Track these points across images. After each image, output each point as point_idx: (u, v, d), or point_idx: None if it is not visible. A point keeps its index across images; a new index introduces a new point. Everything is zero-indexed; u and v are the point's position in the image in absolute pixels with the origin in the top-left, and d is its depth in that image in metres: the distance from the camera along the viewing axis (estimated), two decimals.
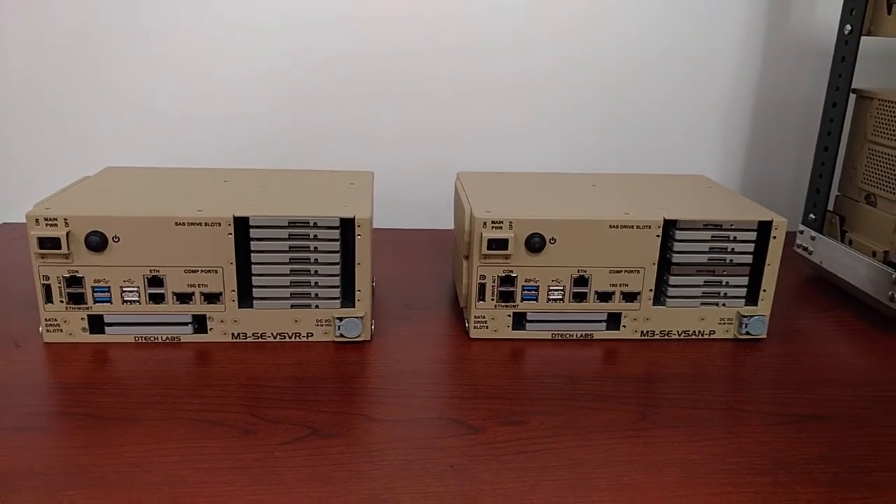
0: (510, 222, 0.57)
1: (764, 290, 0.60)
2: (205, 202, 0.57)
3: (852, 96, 0.71)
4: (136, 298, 0.56)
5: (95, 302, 0.56)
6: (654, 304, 0.60)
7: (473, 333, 0.60)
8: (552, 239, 0.57)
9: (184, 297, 0.56)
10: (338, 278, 0.57)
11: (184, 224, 0.55)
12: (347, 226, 0.56)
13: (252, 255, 0.56)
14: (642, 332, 0.61)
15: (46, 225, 0.54)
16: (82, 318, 0.56)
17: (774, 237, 0.59)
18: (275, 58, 0.85)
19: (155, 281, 0.56)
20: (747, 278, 0.60)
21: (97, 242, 0.54)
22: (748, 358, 0.59)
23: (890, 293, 0.64)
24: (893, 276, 0.64)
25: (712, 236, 0.59)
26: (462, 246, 0.60)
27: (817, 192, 0.74)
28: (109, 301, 0.56)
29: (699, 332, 0.61)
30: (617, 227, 0.58)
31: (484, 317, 0.59)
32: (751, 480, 0.43)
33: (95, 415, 0.48)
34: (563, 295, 0.59)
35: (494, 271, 0.58)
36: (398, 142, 0.89)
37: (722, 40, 0.89)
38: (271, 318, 0.58)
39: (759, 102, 0.92)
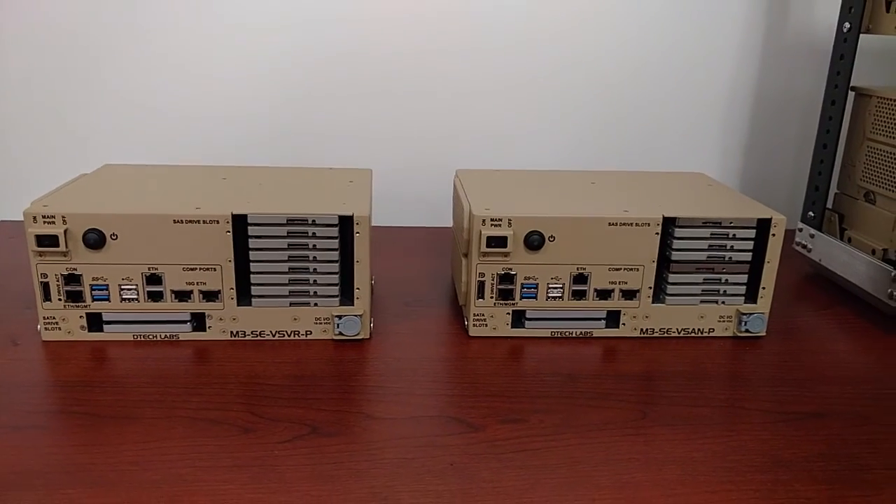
0: (509, 220, 0.57)
1: (763, 288, 0.60)
2: (203, 200, 0.57)
3: (851, 94, 0.71)
4: (135, 296, 0.56)
5: (94, 300, 0.56)
6: (653, 302, 0.60)
7: (473, 331, 0.60)
8: (551, 237, 0.57)
9: (182, 295, 0.56)
10: (337, 276, 0.57)
11: (182, 222, 0.54)
12: (346, 224, 0.56)
13: (250, 252, 0.56)
14: (642, 329, 0.61)
15: (44, 222, 0.53)
16: (81, 317, 0.56)
17: (774, 235, 0.59)
18: (274, 58, 0.85)
19: (153, 279, 0.56)
20: (747, 276, 0.60)
21: (95, 240, 0.54)
22: (748, 356, 0.59)
23: (889, 291, 0.64)
24: (893, 274, 0.64)
25: (711, 234, 0.59)
26: (461, 244, 0.60)
27: (816, 190, 0.74)
28: (108, 299, 0.56)
29: (698, 329, 0.61)
30: (616, 224, 0.58)
31: (483, 315, 0.59)
32: (751, 478, 0.43)
33: (94, 413, 0.48)
34: (563, 293, 0.59)
35: (493, 269, 0.58)
36: (397, 140, 0.89)
37: (721, 39, 0.89)
38: (270, 316, 0.58)
39: (759, 101, 0.92)
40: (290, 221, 0.55)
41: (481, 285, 0.58)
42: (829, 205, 0.75)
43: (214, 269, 0.56)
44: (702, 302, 0.60)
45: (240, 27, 0.84)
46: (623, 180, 0.69)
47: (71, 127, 0.86)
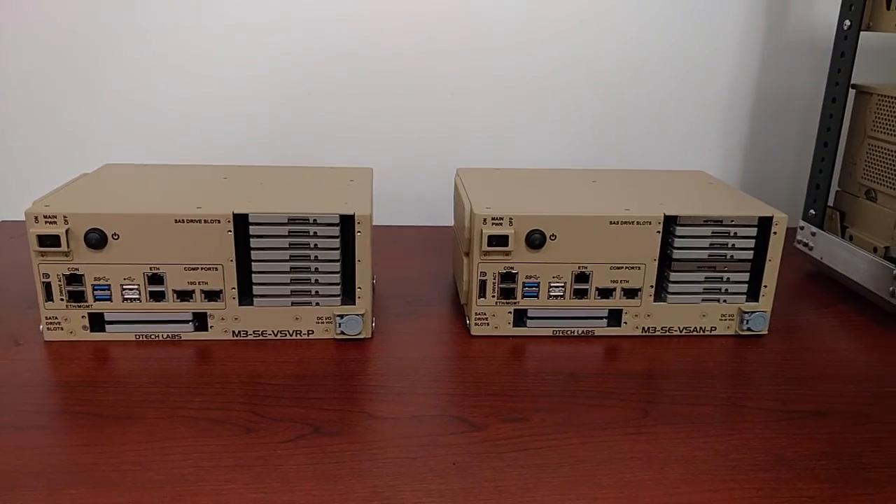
0: (510, 219, 0.57)
1: (765, 287, 0.60)
2: (204, 199, 0.57)
3: (852, 92, 0.71)
4: (137, 296, 0.56)
5: (96, 300, 0.56)
6: (655, 301, 0.60)
7: (474, 330, 0.60)
8: (552, 235, 0.57)
9: (184, 295, 0.56)
10: (338, 275, 0.57)
11: (183, 221, 0.55)
12: (347, 223, 0.56)
13: (252, 252, 0.56)
14: (643, 328, 0.61)
15: (46, 222, 0.53)
16: (83, 317, 0.56)
17: (775, 233, 0.59)
18: (275, 57, 0.85)
19: (155, 279, 0.56)
20: (748, 274, 0.60)
21: (97, 240, 0.54)
22: (749, 354, 0.59)
23: (891, 289, 0.64)
24: (894, 272, 0.64)
25: (713, 232, 0.59)
26: (462, 243, 0.60)
27: (817, 188, 0.74)
28: (110, 299, 0.56)
29: (700, 328, 0.61)
30: (617, 223, 0.58)
31: (485, 314, 0.59)
32: (753, 477, 0.43)
33: (96, 413, 0.48)
34: (564, 291, 0.59)
35: (495, 268, 0.58)
36: (398, 140, 0.89)
37: (721, 37, 0.89)
38: (272, 315, 0.58)
39: (759, 99, 0.92)
40: (292, 221, 0.55)
41: (483, 284, 0.58)
42: (831, 203, 0.75)
43: (216, 269, 0.56)
44: (703, 300, 0.60)
45: (240, 27, 0.84)
46: (624, 179, 0.69)
47: (71, 127, 0.86)
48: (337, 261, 0.57)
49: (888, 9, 0.66)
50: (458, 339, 0.59)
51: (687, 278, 0.60)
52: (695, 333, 0.61)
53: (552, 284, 0.59)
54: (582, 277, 0.59)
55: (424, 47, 0.86)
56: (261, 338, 0.58)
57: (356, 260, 0.57)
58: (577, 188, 0.65)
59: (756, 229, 0.59)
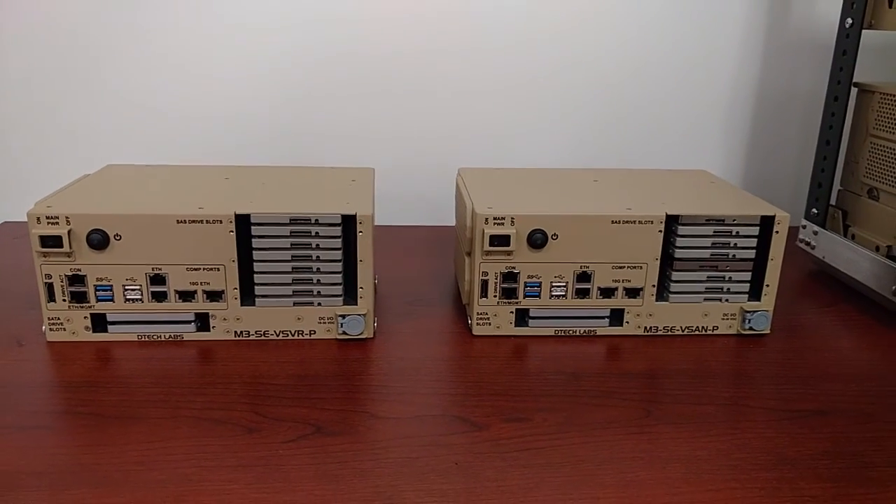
0: (512, 218, 0.57)
1: (767, 286, 0.60)
2: (206, 200, 0.57)
3: (854, 90, 0.71)
4: (139, 297, 0.56)
5: (98, 300, 0.56)
6: (656, 300, 0.60)
7: (476, 330, 0.60)
8: (554, 235, 0.57)
9: (186, 296, 0.56)
10: (340, 276, 0.57)
11: (185, 222, 0.55)
12: (349, 223, 0.56)
13: (254, 252, 0.56)
14: (645, 327, 0.61)
15: (48, 223, 0.54)
16: (85, 317, 0.56)
17: (777, 232, 0.59)
18: (275, 57, 0.85)
19: (157, 279, 0.56)
20: (750, 273, 0.60)
21: (99, 240, 0.54)
22: (751, 353, 0.59)
23: (893, 288, 0.64)
24: None
25: (714, 231, 0.59)
26: (464, 242, 0.60)
27: (819, 187, 0.74)
28: (112, 299, 0.56)
29: (702, 327, 0.61)
30: (619, 222, 0.58)
31: (486, 313, 0.59)
32: (755, 476, 0.43)
33: (99, 413, 0.48)
34: (566, 291, 0.59)
35: (497, 268, 0.58)
36: (399, 139, 0.89)
37: (723, 35, 0.89)
38: (274, 315, 0.58)
39: (761, 98, 0.92)
40: (293, 221, 0.55)
41: (484, 284, 0.58)
42: (833, 202, 0.75)
43: (218, 269, 0.56)
44: (705, 300, 0.60)
45: (240, 27, 0.84)
46: (626, 178, 0.68)
47: (71, 127, 0.86)
48: (339, 261, 0.57)
49: (890, 7, 0.65)
50: (459, 339, 0.59)
51: (689, 278, 0.60)
52: (697, 333, 0.61)
53: (554, 284, 0.59)
54: (584, 277, 0.59)
55: (425, 47, 0.86)
56: (263, 338, 0.58)
57: (358, 260, 0.57)
58: (578, 188, 0.65)
59: (758, 228, 0.59)
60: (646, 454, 0.45)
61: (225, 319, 0.57)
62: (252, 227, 0.55)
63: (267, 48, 0.85)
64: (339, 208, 0.56)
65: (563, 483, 0.42)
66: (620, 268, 0.59)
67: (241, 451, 0.44)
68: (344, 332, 0.58)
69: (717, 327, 0.61)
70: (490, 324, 0.60)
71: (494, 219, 0.57)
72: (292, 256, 0.56)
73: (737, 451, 0.45)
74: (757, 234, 0.59)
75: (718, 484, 0.42)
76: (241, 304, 0.57)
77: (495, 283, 0.58)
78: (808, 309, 0.68)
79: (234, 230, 0.55)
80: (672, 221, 0.59)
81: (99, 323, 0.57)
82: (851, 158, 0.73)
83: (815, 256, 0.74)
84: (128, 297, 0.56)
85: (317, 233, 0.56)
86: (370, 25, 0.85)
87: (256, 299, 0.57)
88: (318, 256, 0.56)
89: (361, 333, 0.58)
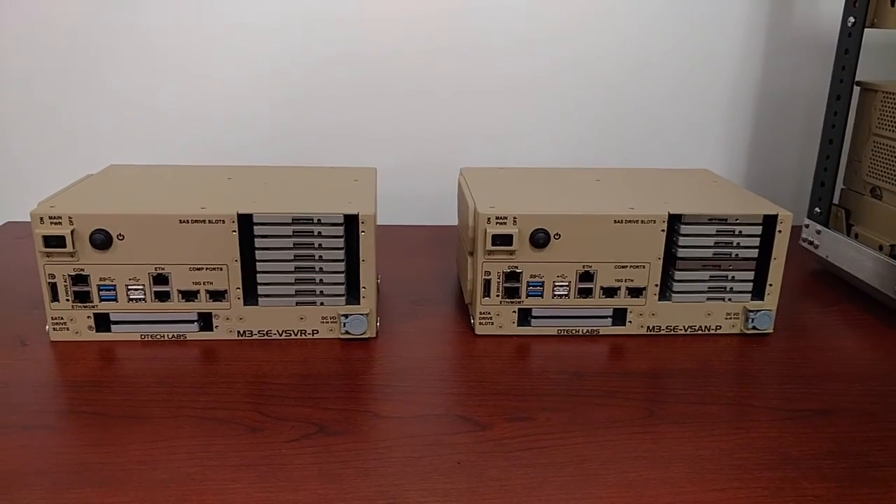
0: (514, 218, 0.57)
1: (770, 285, 0.60)
2: (208, 200, 0.57)
3: (856, 89, 0.71)
4: (142, 296, 0.56)
5: (101, 300, 0.56)
6: (659, 300, 0.60)
7: (479, 330, 0.60)
8: (557, 234, 0.57)
9: (189, 295, 0.56)
10: (342, 275, 0.57)
11: (188, 222, 0.55)
12: (351, 222, 0.56)
13: (256, 252, 0.56)
14: (648, 327, 0.61)
15: (51, 223, 0.54)
16: (88, 317, 0.56)
17: (780, 231, 0.59)
18: (275, 57, 0.85)
19: (160, 279, 0.56)
20: (753, 273, 0.60)
21: (102, 240, 0.54)
22: (755, 353, 0.59)
23: None
24: None
25: (717, 231, 0.59)
26: (466, 242, 0.60)
27: (822, 186, 0.74)
28: (115, 299, 0.56)
29: (705, 327, 0.61)
30: (621, 221, 0.57)
31: (489, 313, 0.59)
32: (759, 476, 0.43)
33: (102, 413, 0.48)
34: (569, 290, 0.59)
35: (499, 267, 0.58)
36: (400, 139, 0.89)
37: (725, 34, 0.89)
38: (277, 315, 0.58)
39: (763, 97, 0.92)
40: (296, 221, 0.55)
41: (487, 283, 0.58)
42: (836, 201, 0.75)
43: (221, 269, 0.56)
44: (708, 299, 0.60)
45: (240, 27, 0.84)
46: (628, 177, 0.68)
47: (72, 128, 0.87)
48: (341, 260, 0.57)
49: (892, 5, 0.65)
50: (462, 339, 0.60)
51: (692, 277, 0.60)
52: (700, 332, 0.61)
53: (556, 283, 0.59)
54: (586, 276, 0.59)
55: (427, 47, 0.86)
56: (266, 337, 0.58)
57: (360, 260, 0.57)
58: (581, 187, 0.65)
59: (761, 228, 0.59)
60: (649, 454, 0.45)
61: (228, 319, 0.57)
62: (255, 227, 0.55)
63: (268, 48, 0.85)
64: (342, 208, 0.56)
65: (567, 482, 0.42)
66: (623, 267, 0.59)
67: (244, 451, 0.44)
68: (347, 332, 0.58)
69: (720, 327, 0.61)
70: (493, 323, 0.60)
71: (497, 218, 0.57)
72: (295, 256, 0.56)
73: (740, 451, 0.45)
74: (760, 233, 0.59)
75: (722, 483, 0.42)
76: (244, 304, 0.57)
77: (498, 282, 0.58)
78: (812, 308, 0.68)
79: (236, 230, 0.55)
80: (675, 221, 0.59)
81: (102, 323, 0.57)
82: (854, 157, 0.73)
83: (819, 256, 0.74)
84: (131, 296, 0.56)
85: (319, 232, 0.56)
86: (372, 25, 0.85)
87: (259, 299, 0.57)
88: (320, 256, 0.56)
89: (364, 333, 0.58)
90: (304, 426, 0.47)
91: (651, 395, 0.52)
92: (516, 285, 0.59)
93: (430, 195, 0.90)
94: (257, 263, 0.56)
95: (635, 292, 0.59)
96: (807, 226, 0.76)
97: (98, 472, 0.42)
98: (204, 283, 0.56)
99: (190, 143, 0.88)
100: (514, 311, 0.59)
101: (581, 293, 0.59)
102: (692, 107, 0.91)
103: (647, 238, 0.58)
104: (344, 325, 0.58)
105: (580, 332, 0.61)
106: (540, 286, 0.59)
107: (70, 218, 0.54)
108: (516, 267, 0.58)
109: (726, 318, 0.61)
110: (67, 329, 0.57)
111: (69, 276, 0.55)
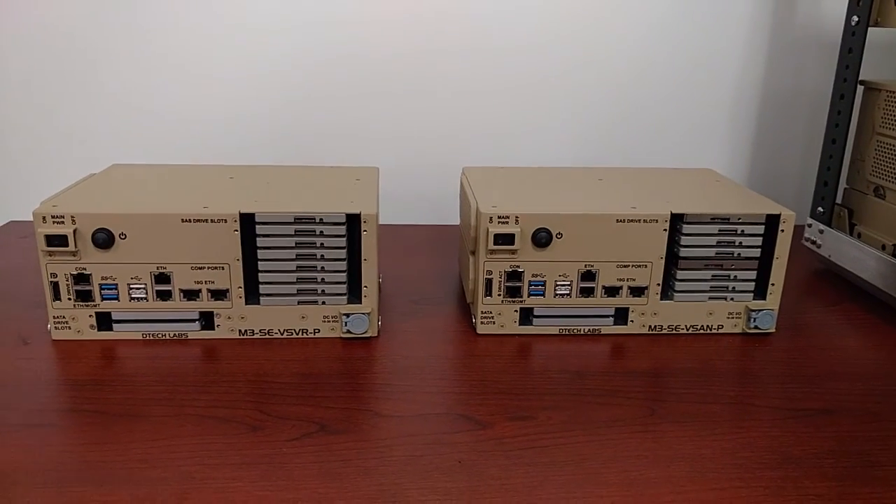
0: (516, 217, 0.57)
1: (772, 284, 0.60)
2: (210, 199, 0.57)
3: (860, 88, 0.71)
4: (144, 295, 0.56)
5: (103, 299, 0.56)
6: (661, 299, 0.60)
7: (480, 329, 0.60)
8: (559, 234, 0.57)
9: (191, 294, 0.57)
10: (344, 274, 0.57)
11: (190, 221, 0.55)
12: (353, 222, 0.56)
13: (258, 251, 0.56)
14: (650, 326, 0.61)
15: (53, 222, 0.54)
16: (90, 316, 0.57)
17: (783, 231, 0.59)
18: (276, 59, 0.85)
19: (162, 278, 0.56)
20: (755, 272, 0.60)
21: (104, 240, 0.54)
22: (757, 352, 0.58)
23: None
24: None
25: (720, 230, 0.59)
26: (468, 241, 0.60)
27: (825, 185, 0.74)
28: (117, 298, 0.56)
29: (707, 326, 0.61)
30: (624, 221, 0.57)
31: (491, 312, 0.59)
32: (760, 475, 0.43)
33: (104, 411, 0.48)
34: (571, 290, 0.59)
35: (501, 266, 0.58)
36: (402, 139, 0.89)
37: (728, 34, 0.89)
38: (278, 314, 0.58)
39: (766, 96, 0.92)
40: (298, 220, 0.56)
41: (489, 283, 0.58)
42: (839, 200, 0.74)
43: (222, 268, 0.56)
44: (710, 298, 0.60)
45: (240, 27, 0.84)
46: (630, 177, 0.68)
47: (71, 129, 0.87)
48: (343, 260, 0.57)
49: None
50: (464, 338, 0.59)
51: (694, 276, 0.59)
52: (702, 332, 0.61)
53: (558, 283, 0.59)
54: (588, 276, 0.59)
55: (428, 47, 0.86)
56: (267, 337, 0.58)
57: (362, 259, 0.57)
58: (583, 186, 0.65)
59: (763, 227, 0.59)
60: (650, 453, 0.45)
61: (229, 318, 0.58)
62: (256, 227, 0.55)
63: (268, 49, 0.85)
64: (344, 207, 0.56)
65: (568, 481, 0.42)
66: (625, 266, 0.59)
67: (245, 450, 0.44)
68: (348, 331, 0.58)
69: (722, 326, 0.61)
70: (494, 322, 0.60)
71: (499, 217, 0.57)
72: (297, 255, 0.56)
73: (742, 450, 0.45)
74: (762, 232, 0.59)
75: (723, 483, 0.42)
76: (246, 303, 0.57)
77: (499, 281, 0.58)
78: (814, 308, 0.67)
79: (238, 229, 0.55)
80: (677, 220, 0.58)
81: (104, 321, 0.57)
82: (857, 157, 0.73)
83: (821, 255, 0.74)
84: (133, 295, 0.56)
85: (321, 232, 0.56)
86: (373, 27, 0.85)
87: (261, 298, 0.57)
88: (322, 255, 0.56)
89: (366, 332, 0.58)
90: (305, 425, 0.47)
91: (652, 394, 0.52)
92: (518, 284, 0.58)
93: (432, 195, 0.90)
94: (259, 263, 0.56)
95: (637, 292, 0.59)
96: (809, 225, 0.76)
97: (99, 470, 0.42)
98: (206, 282, 0.56)
99: (190, 144, 0.88)
100: (516, 311, 0.59)
101: (583, 292, 0.59)
102: (695, 106, 0.91)
103: (650, 237, 0.58)
104: (345, 325, 0.58)
105: (582, 332, 0.60)
106: (542, 285, 0.59)
107: (72, 217, 0.54)
108: (518, 266, 0.58)
109: (728, 318, 0.61)
110: (69, 328, 0.57)
111: (71, 275, 0.55)
